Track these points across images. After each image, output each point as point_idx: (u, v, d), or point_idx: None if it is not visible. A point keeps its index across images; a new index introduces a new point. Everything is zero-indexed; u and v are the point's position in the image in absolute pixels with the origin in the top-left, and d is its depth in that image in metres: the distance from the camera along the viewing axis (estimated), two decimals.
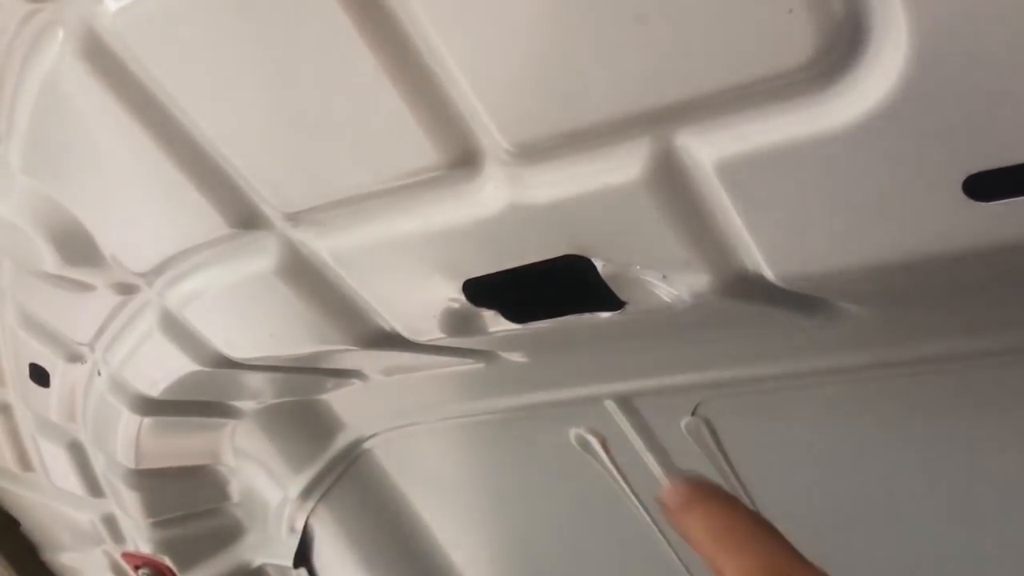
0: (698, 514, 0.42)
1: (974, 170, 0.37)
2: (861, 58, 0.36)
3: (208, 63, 0.48)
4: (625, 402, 0.76)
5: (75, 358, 0.84)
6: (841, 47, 0.36)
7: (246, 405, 0.91)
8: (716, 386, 0.69)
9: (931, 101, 0.35)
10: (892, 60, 0.35)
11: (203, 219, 0.56)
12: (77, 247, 0.65)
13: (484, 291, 0.55)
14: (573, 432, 0.82)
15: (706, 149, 0.42)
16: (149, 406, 0.82)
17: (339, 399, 0.92)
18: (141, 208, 0.58)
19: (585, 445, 0.82)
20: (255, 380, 0.80)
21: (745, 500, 0.79)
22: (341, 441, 0.95)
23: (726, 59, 0.37)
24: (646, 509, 0.87)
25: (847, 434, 0.70)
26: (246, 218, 0.56)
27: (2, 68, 0.54)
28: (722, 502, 0.43)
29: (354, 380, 0.84)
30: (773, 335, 0.61)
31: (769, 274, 0.47)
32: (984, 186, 0.38)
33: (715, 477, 0.78)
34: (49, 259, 0.66)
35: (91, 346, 0.80)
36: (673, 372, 0.69)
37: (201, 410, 0.88)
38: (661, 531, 0.89)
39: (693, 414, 0.74)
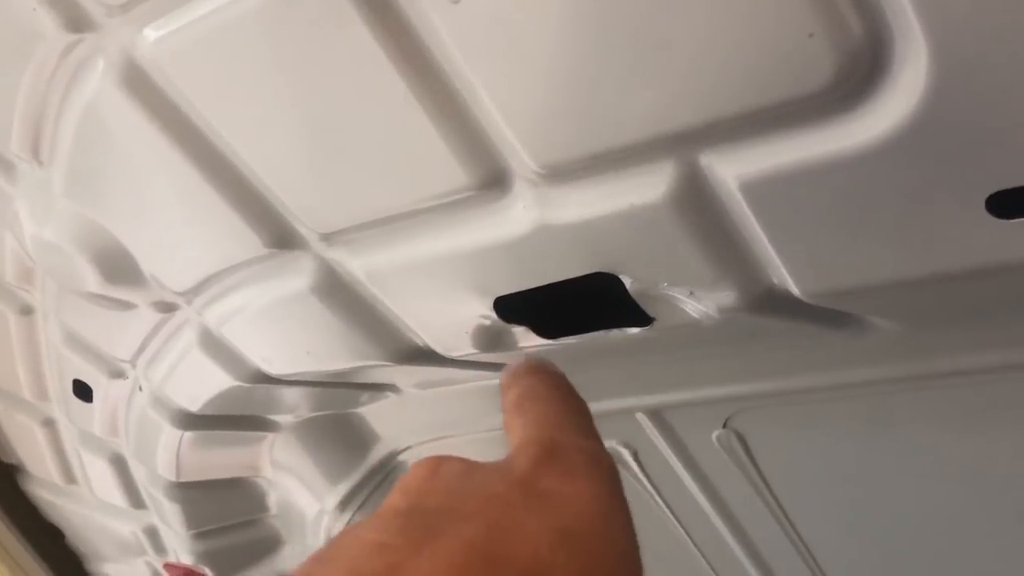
0: (516, 387, 0.46)
1: (997, 188, 0.37)
2: (882, 80, 0.36)
3: (244, 90, 0.48)
4: (656, 415, 0.76)
5: (117, 374, 0.85)
6: (862, 69, 0.36)
7: (284, 419, 0.92)
8: (746, 399, 0.69)
9: (952, 121, 0.35)
10: (913, 81, 0.35)
11: (240, 240, 0.57)
12: (118, 267, 0.66)
13: (515, 308, 0.56)
14: (605, 444, 0.82)
15: (730, 169, 0.42)
16: (189, 421, 0.83)
17: (374, 412, 0.92)
18: (180, 229, 0.59)
19: (617, 457, 0.82)
20: (292, 395, 0.81)
21: (776, 511, 0.79)
22: (376, 454, 0.96)
23: (747, 83, 0.37)
24: (679, 520, 0.87)
25: (877, 445, 0.69)
26: (282, 239, 0.57)
27: (45, 96, 0.55)
28: (538, 376, 0.46)
29: (388, 394, 0.85)
30: (801, 349, 0.61)
31: (795, 290, 0.47)
32: (1007, 204, 0.38)
33: (747, 488, 0.78)
34: (91, 279, 0.67)
35: (133, 363, 0.81)
36: (703, 385, 0.69)
37: (240, 424, 0.89)
38: (694, 542, 0.89)
39: (724, 426, 0.74)
